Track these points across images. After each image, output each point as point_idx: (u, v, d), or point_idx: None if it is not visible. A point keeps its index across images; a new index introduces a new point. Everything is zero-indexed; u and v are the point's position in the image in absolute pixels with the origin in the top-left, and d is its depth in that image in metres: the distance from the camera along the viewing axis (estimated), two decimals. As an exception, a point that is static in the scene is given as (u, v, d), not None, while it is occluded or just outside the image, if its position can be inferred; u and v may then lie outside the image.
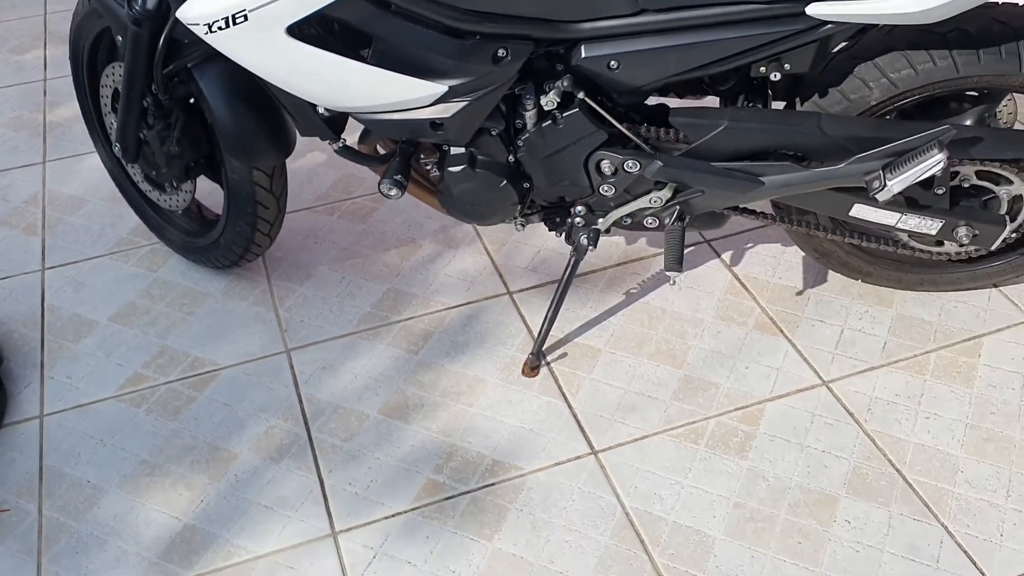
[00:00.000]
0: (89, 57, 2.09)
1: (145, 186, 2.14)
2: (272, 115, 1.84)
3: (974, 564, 1.58)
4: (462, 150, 1.73)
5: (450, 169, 1.74)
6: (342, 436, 1.84)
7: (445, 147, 1.76)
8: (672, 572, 1.59)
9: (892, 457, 1.75)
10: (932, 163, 1.58)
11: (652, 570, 1.60)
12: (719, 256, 2.20)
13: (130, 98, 1.88)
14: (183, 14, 1.56)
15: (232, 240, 2.03)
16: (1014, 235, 1.84)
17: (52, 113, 2.81)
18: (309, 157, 2.56)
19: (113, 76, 2.00)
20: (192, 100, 1.90)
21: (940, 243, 1.89)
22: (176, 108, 1.87)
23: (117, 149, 2.05)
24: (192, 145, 1.93)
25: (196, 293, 2.17)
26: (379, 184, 1.70)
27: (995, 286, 2.06)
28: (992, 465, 1.72)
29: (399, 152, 1.74)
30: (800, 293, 2.09)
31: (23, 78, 2.98)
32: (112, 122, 2.09)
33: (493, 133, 1.71)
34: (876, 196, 1.63)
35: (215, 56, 1.79)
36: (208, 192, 2.26)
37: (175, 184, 2.02)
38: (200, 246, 2.14)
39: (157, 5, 1.73)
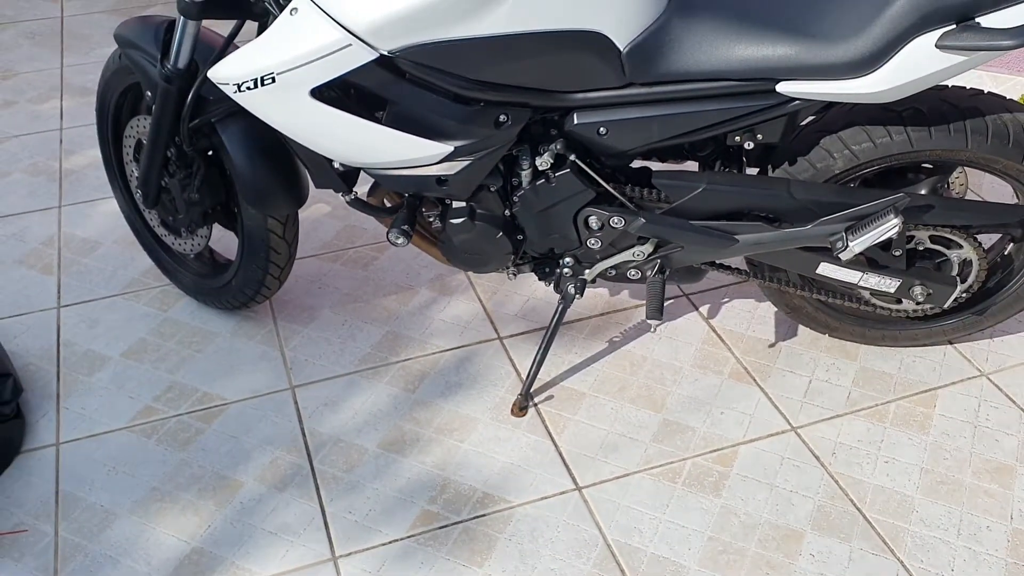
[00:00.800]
0: (114, 110, 2.25)
1: (161, 231, 2.28)
2: (287, 168, 1.99)
3: (927, 595, 1.71)
4: (463, 204, 1.89)
5: (452, 221, 1.89)
6: (343, 467, 1.96)
7: (447, 201, 1.91)
8: (649, 598, 1.72)
9: (854, 497, 1.89)
10: (888, 227, 1.75)
11: (631, 596, 1.72)
12: (697, 309, 2.36)
13: (155, 148, 2.03)
14: (214, 74, 1.72)
15: (244, 283, 2.17)
16: (965, 295, 2.00)
17: (68, 161, 2.96)
18: (315, 208, 2.72)
19: (137, 128, 2.16)
20: (212, 152, 2.05)
21: (899, 301, 2.05)
22: (198, 159, 2.03)
23: (138, 195, 2.20)
24: (210, 193, 2.08)
25: (205, 332, 2.30)
26: (388, 233, 1.85)
27: (950, 342, 2.22)
28: (944, 505, 1.86)
29: (406, 204, 1.90)
30: (772, 345, 2.24)
31: (40, 127, 3.13)
32: (133, 170, 2.24)
33: (492, 189, 1.86)
34: (839, 255, 1.80)
35: (237, 113, 1.95)
36: (218, 238, 2.40)
37: (192, 229, 2.16)
38: (212, 288, 2.27)
39: (187, 65, 1.89)
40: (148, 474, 1.96)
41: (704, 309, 2.36)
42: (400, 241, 1.85)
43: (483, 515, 1.87)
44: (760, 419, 2.06)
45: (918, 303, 1.99)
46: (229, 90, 1.72)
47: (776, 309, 2.33)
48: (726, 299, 2.39)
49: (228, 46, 1.88)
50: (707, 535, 1.82)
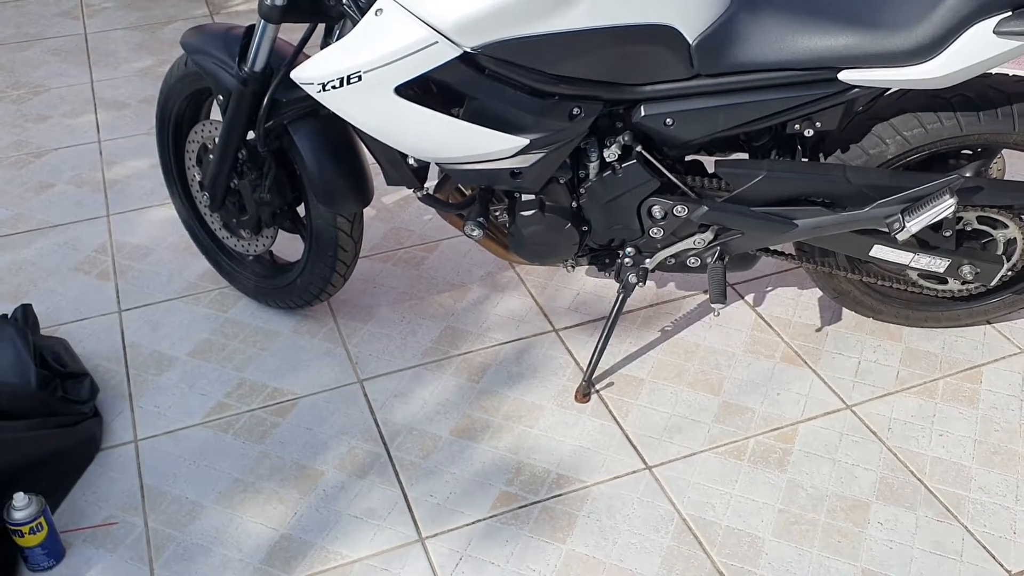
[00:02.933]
0: (175, 117, 2.31)
1: (223, 233, 2.34)
2: (355, 167, 2.06)
3: (993, 557, 1.79)
4: (533, 197, 1.96)
5: (522, 213, 1.97)
6: (419, 454, 2.02)
7: (516, 194, 1.99)
8: (730, 568, 1.79)
9: (913, 468, 1.97)
10: (945, 207, 1.84)
11: (712, 567, 1.79)
12: (743, 298, 2.44)
13: (226, 150, 2.09)
14: (298, 74, 1.79)
15: (310, 281, 2.23)
16: (1009, 274, 2.10)
17: (109, 172, 3.01)
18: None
19: (202, 133, 2.22)
20: (281, 153, 2.11)
21: (944, 281, 2.14)
22: (270, 159, 2.09)
23: (202, 198, 2.25)
24: (280, 193, 2.14)
25: (267, 331, 2.36)
26: (464, 226, 1.92)
27: (988, 322, 2.32)
28: (1000, 474, 1.95)
29: (479, 198, 1.97)
30: (819, 330, 2.33)
31: (78, 140, 3.18)
32: (195, 175, 2.30)
33: (561, 181, 1.94)
34: (896, 236, 1.89)
35: (308, 115, 2.02)
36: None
37: (258, 230, 2.22)
38: (275, 288, 2.33)
39: (264, 68, 1.96)
40: (229, 466, 2.01)
41: (750, 298, 2.44)
42: (476, 233, 1.92)
43: (560, 495, 1.93)
44: (815, 399, 2.14)
45: (965, 282, 2.08)
46: (313, 90, 1.78)
47: (820, 295, 2.41)
48: (770, 288, 2.47)
49: (301, 50, 1.95)
50: (777, 508, 1.90)
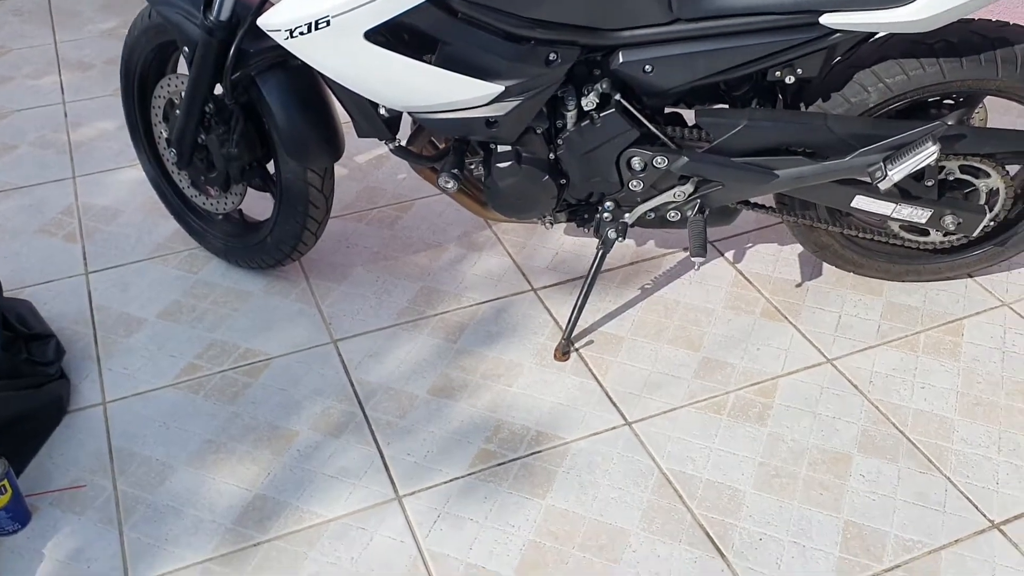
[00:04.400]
0: (141, 71, 2.24)
1: (192, 192, 2.28)
2: (326, 119, 2.00)
3: (976, 508, 1.78)
4: (509, 148, 1.91)
5: (498, 165, 1.92)
6: (396, 413, 1.98)
7: (492, 146, 1.94)
8: (710, 521, 1.76)
9: (895, 420, 1.95)
10: (927, 154, 1.81)
11: (692, 520, 1.77)
12: (723, 255, 2.41)
13: (192, 104, 2.03)
14: (265, 21, 1.73)
15: (281, 239, 2.18)
16: (991, 224, 2.07)
17: (75, 133, 2.93)
18: (333, 171, 2.72)
19: (168, 88, 2.15)
20: (249, 107, 2.05)
21: (926, 233, 2.12)
22: (237, 112, 2.03)
23: (170, 155, 2.19)
24: (249, 147, 2.08)
25: (238, 292, 2.30)
26: (438, 178, 1.88)
27: (970, 275, 2.30)
28: (983, 425, 1.93)
29: (453, 149, 1.92)
30: (799, 285, 2.30)
31: (42, 101, 3.09)
32: (162, 132, 2.24)
33: (538, 132, 1.89)
34: (878, 185, 1.86)
35: (276, 66, 1.96)
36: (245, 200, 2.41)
37: (226, 187, 2.16)
38: (245, 247, 2.28)
39: (229, 16, 1.89)
40: (200, 427, 1.96)
41: (729, 254, 2.41)
42: (451, 185, 1.88)
43: (539, 451, 1.90)
44: (796, 353, 2.12)
45: (948, 232, 2.06)
46: (280, 37, 1.72)
47: (800, 251, 2.39)
48: (750, 244, 2.44)
49: (267, -2, 1.88)
50: (758, 461, 1.88)
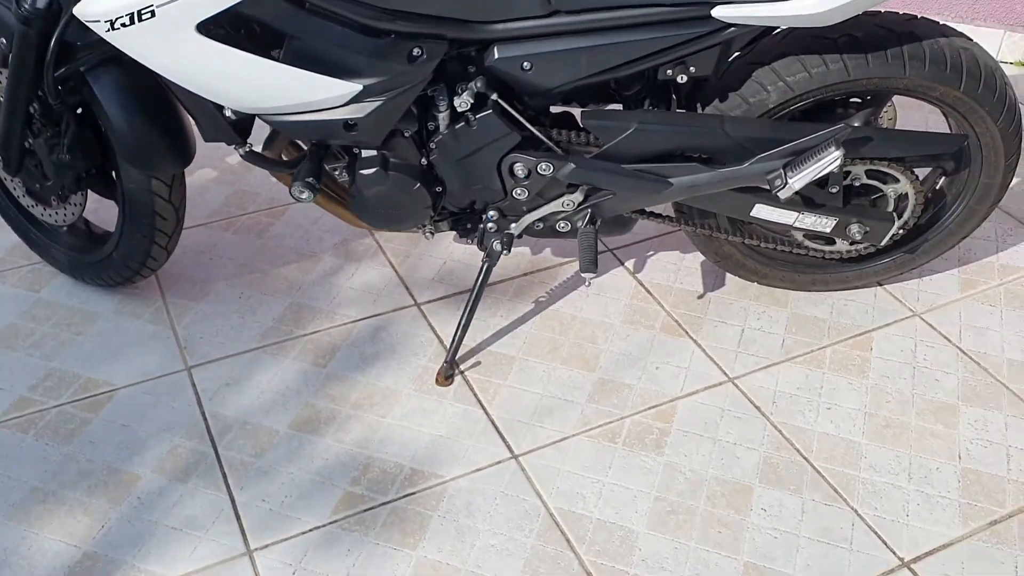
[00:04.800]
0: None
1: (27, 201, 2.03)
2: (172, 121, 1.78)
3: (885, 544, 1.64)
4: (374, 152, 1.71)
5: (362, 172, 1.72)
6: (251, 452, 1.77)
7: (356, 150, 1.73)
8: (600, 568, 1.59)
9: (799, 446, 1.81)
10: (830, 160, 1.66)
11: (580, 568, 1.59)
12: (623, 264, 2.24)
13: (15, 104, 1.78)
14: (82, 11, 1.50)
15: (127, 254, 1.94)
16: (901, 231, 1.94)
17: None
18: (200, 173, 2.48)
19: (-9, 84, 1.90)
20: (83, 106, 1.81)
21: (832, 242, 1.98)
22: (67, 114, 1.78)
23: (-2, 160, 1.93)
24: (84, 154, 1.84)
25: (85, 313, 2.06)
26: (291, 188, 1.66)
27: (880, 284, 2.17)
28: (892, 450, 1.80)
29: (309, 155, 1.71)
30: (701, 296, 2.15)
31: None
32: (-11, 134, 1.97)
33: (406, 135, 1.69)
34: (778, 194, 1.70)
35: (110, 60, 1.72)
36: (93, 209, 2.16)
37: (63, 197, 1.92)
38: (90, 263, 2.03)
39: (48, 4, 1.65)
40: (27, 473, 1.72)
41: (630, 263, 2.24)
42: (305, 196, 1.67)
43: (413, 493, 1.71)
44: (696, 372, 1.96)
45: (854, 242, 1.92)
46: (100, 29, 1.49)
47: (702, 260, 2.23)
48: (651, 252, 2.28)
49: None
50: (653, 495, 1.71)
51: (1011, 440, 1.82)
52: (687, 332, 2.06)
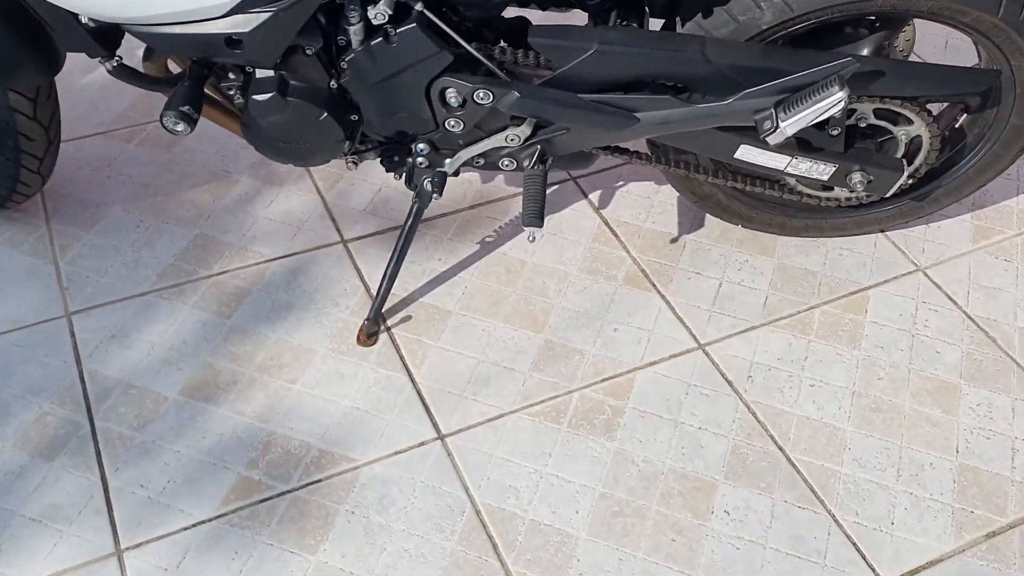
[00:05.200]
0: None
1: None
2: (30, 26, 1.43)
3: (863, 558, 1.41)
4: (270, 73, 1.39)
5: (255, 97, 1.39)
6: (133, 424, 1.51)
7: (250, 69, 1.41)
8: (529, 582, 1.36)
9: (774, 433, 1.56)
10: (831, 101, 1.35)
11: (506, 580, 1.36)
12: (586, 196, 1.94)
13: None
14: None
15: (-9, 179, 1.64)
16: (909, 182, 1.64)
17: None
18: (102, 71, 2.14)
19: None
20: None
21: (829, 188, 1.68)
22: None
23: None
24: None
25: (-47, 242, 1.77)
26: (161, 116, 1.34)
27: (882, 231, 1.88)
28: (881, 439, 1.55)
29: (188, 75, 1.38)
30: (675, 240, 1.86)
31: None
32: None
33: (309, 53, 1.36)
34: (767, 139, 1.39)
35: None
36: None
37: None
38: (-47, 185, 1.72)
39: None
40: None
41: (595, 196, 1.94)
42: (180, 128, 1.35)
43: (318, 480, 1.46)
44: (661, 335, 1.69)
45: (854, 192, 1.62)
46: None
47: (679, 195, 1.93)
48: (620, 183, 1.97)
49: None
50: (598, 491, 1.47)
51: (1018, 431, 1.57)
52: (654, 285, 1.77)
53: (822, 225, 1.82)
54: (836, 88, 1.34)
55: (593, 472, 1.49)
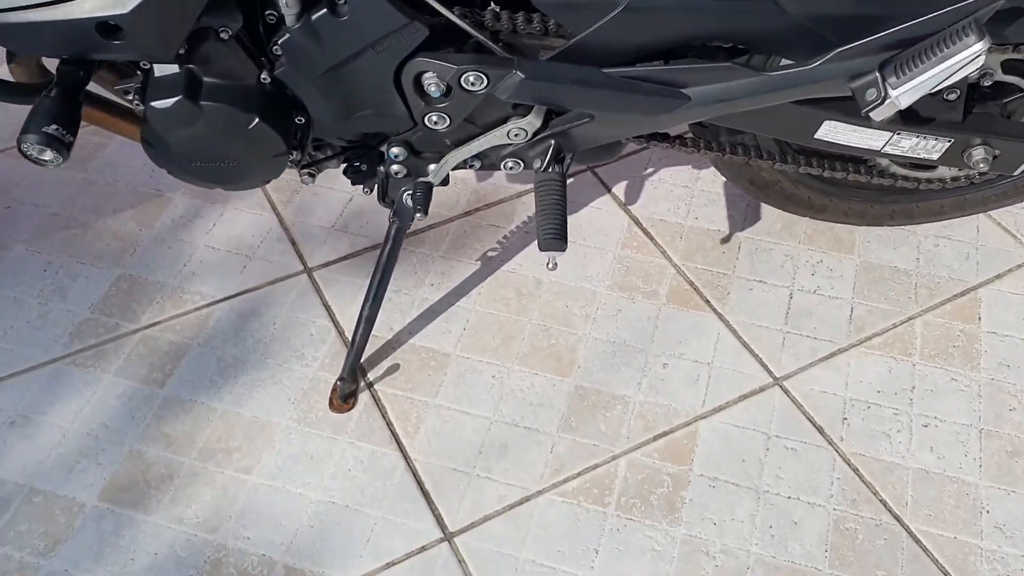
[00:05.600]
0: None
1: None
2: None
3: (1030, 674, 1.04)
4: (173, 69, 0.99)
5: (154, 104, 1.00)
6: (38, 547, 1.13)
7: (146, 64, 1.01)
8: None
9: (886, 496, 1.18)
10: (965, 57, 0.96)
11: None
12: (609, 190, 1.55)
13: None
14: None
15: None
16: (1041, 150, 1.25)
17: None
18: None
19: None
20: None
21: (933, 168, 1.29)
22: None
23: None
24: None
25: None
26: (18, 142, 0.94)
27: (987, 212, 1.49)
28: (1027, 498, 1.18)
29: (57, 80, 0.98)
30: (726, 240, 1.47)
31: None
32: None
33: (224, 37, 0.97)
34: (872, 113, 1.00)
35: None
36: None
37: None
38: None
39: None
40: None
41: (619, 189, 1.55)
42: (48, 157, 0.95)
43: (287, 613, 1.09)
44: (724, 369, 1.31)
45: (975, 170, 1.23)
46: None
47: (724, 180, 1.54)
48: (650, 169, 1.58)
49: None
50: (664, 599, 1.10)
51: None
52: (708, 302, 1.39)
53: (912, 210, 1.44)
54: (973, 37, 0.94)
55: (656, 573, 1.12)
